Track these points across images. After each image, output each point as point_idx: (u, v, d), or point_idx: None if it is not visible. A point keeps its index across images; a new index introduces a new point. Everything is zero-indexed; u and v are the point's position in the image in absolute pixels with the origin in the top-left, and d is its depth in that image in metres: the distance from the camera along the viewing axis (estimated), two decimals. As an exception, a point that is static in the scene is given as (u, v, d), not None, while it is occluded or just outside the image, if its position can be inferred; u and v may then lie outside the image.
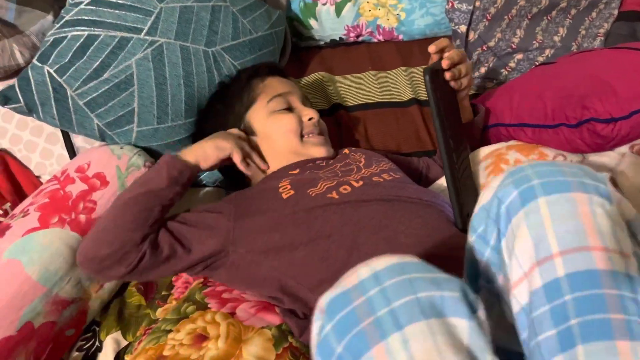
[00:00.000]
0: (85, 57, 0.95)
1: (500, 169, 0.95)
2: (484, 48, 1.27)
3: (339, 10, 1.42)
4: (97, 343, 0.89)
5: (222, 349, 0.72)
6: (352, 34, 1.47)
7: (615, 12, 1.31)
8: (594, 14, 1.32)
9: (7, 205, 1.02)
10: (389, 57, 1.45)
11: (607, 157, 0.91)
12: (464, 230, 0.84)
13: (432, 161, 1.15)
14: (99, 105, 0.98)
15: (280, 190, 0.89)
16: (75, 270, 0.86)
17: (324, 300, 0.49)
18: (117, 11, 0.98)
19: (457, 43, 1.28)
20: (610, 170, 0.91)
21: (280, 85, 1.05)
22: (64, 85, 0.95)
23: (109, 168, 0.95)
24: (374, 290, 0.47)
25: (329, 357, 0.46)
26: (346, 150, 1.05)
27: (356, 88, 1.37)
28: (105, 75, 0.97)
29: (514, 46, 1.27)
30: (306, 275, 0.80)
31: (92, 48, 0.96)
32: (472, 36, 1.26)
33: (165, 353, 0.74)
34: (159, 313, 0.90)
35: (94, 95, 0.97)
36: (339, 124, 1.29)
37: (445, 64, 0.87)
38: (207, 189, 1.14)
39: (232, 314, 0.81)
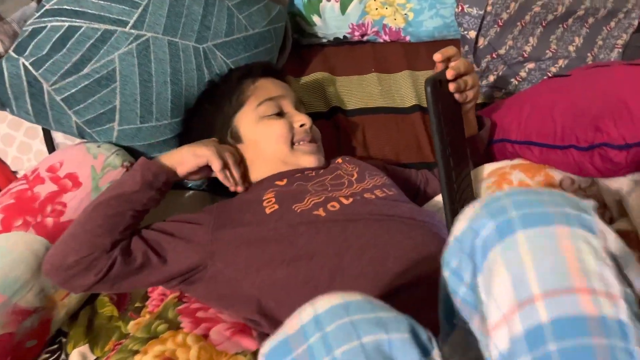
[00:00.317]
0: (64, 50, 0.89)
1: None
2: (494, 55, 1.20)
3: (344, 8, 1.35)
4: (62, 356, 0.84)
5: (189, 377, 0.67)
6: (356, 33, 1.40)
7: (636, 22, 1.23)
8: (612, 24, 1.24)
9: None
10: (394, 59, 1.38)
11: (618, 183, 0.85)
12: None
13: (432, 175, 1.09)
14: (78, 102, 0.92)
15: (265, 203, 0.84)
16: (39, 278, 0.81)
17: (264, 349, 0.45)
18: (102, 1, 0.92)
19: (465, 49, 1.20)
20: (620, 195, 0.85)
21: (273, 88, 0.98)
22: (40, 80, 0.89)
23: (83, 168, 0.89)
24: (315, 336, 0.43)
25: None
26: (339, 160, 0.99)
27: (357, 91, 1.30)
28: (86, 70, 0.91)
29: (525, 55, 1.20)
30: (287, 297, 0.74)
31: (72, 40, 0.90)
32: (481, 42, 1.18)
33: (129, 377, 0.68)
34: (131, 327, 0.84)
35: (73, 91, 0.91)
36: (337, 129, 1.23)
37: (450, 74, 0.80)
38: (192, 192, 1.08)
39: (206, 335, 0.75)
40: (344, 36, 1.41)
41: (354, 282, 0.71)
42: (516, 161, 0.95)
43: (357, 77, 1.34)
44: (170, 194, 1.03)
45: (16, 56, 0.89)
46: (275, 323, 0.75)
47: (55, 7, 0.91)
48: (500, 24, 1.17)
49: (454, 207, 0.77)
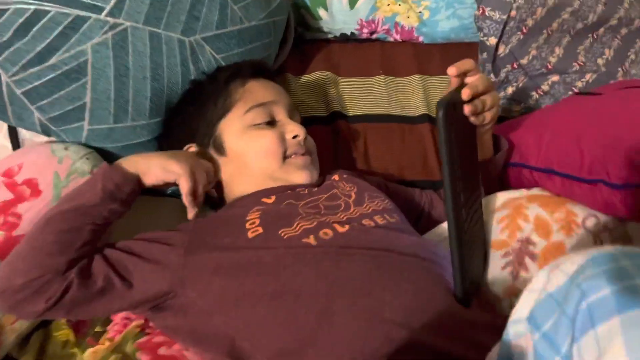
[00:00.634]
0: (28, 37, 0.78)
1: (518, 227, 0.77)
2: (515, 65, 1.09)
3: (353, 2, 1.24)
4: (8, 385, 0.75)
5: None
6: (365, 30, 1.29)
7: (674, 36, 1.11)
8: (648, 36, 1.13)
9: None
10: (404, 60, 1.27)
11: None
12: (464, 302, 0.67)
13: (437, 197, 0.98)
14: (42, 97, 0.81)
15: (248, 225, 0.73)
16: (-17, 300, 0.70)
17: None
18: (74, -17, 0.81)
19: (483, 56, 1.09)
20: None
21: (264, 92, 0.87)
22: (-3, 69, 0.79)
23: (45, 173, 0.79)
24: None
25: None
26: (336, 177, 0.88)
27: (361, 94, 1.19)
28: (52, 60, 0.80)
29: (549, 66, 1.08)
30: (265, 339, 0.64)
31: (38, 26, 0.79)
32: (502, 50, 1.07)
33: None
34: (87, 356, 0.75)
35: (36, 84, 0.80)
36: (336, 136, 1.11)
37: (466, 94, 0.69)
38: (172, 199, 0.97)
39: (165, 378, 0.65)
40: (352, 33, 1.29)
41: (344, 333, 0.61)
42: (534, 191, 0.84)
43: (362, 79, 1.23)
44: (147, 200, 0.94)
45: (-28, 41, 0.78)
46: (249, 369, 0.65)
47: (21, -14, 0.80)
48: (525, 30, 1.05)
49: (462, 252, 0.66)
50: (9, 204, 0.75)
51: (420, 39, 1.30)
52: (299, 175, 0.84)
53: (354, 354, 0.59)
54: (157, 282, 0.70)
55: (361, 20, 1.27)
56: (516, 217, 0.79)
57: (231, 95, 0.86)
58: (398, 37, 1.30)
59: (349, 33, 1.29)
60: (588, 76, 1.09)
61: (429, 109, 1.16)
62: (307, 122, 1.11)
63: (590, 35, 1.10)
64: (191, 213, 0.78)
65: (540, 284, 0.45)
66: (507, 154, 0.90)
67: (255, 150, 0.83)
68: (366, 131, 1.12)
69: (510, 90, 1.11)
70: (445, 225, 0.89)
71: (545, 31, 1.07)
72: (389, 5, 1.25)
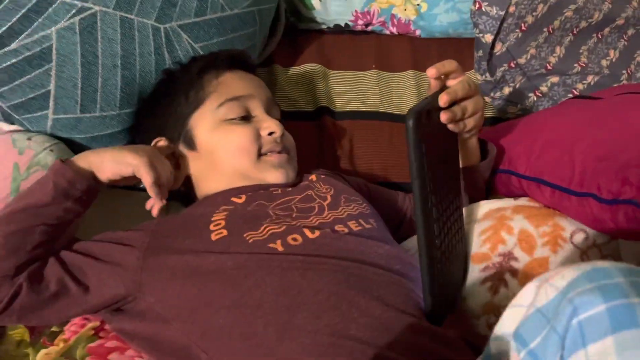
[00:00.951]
0: (-12, 19, 0.74)
1: (500, 240, 0.72)
2: (512, 65, 1.03)
3: (347, -9, 1.18)
4: (-44, 385, 0.71)
5: None
6: (360, 22, 1.24)
7: (684, 39, 1.05)
8: (656, 38, 1.06)
9: None
10: (399, 55, 1.22)
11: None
12: (435, 320, 0.63)
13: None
14: (2, 83, 0.77)
15: (212, 226, 0.69)
16: None
17: None
18: (40, -38, 0.76)
19: (479, 54, 1.03)
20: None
21: (240, 85, 0.82)
22: (-46, 54, 0.74)
23: (4, 165, 0.75)
24: None
25: None
26: (313, 177, 0.83)
27: (351, 89, 1.14)
28: (13, 45, 0.75)
29: (549, 67, 1.02)
30: (221, 351, 0.60)
31: (-1, 8, 0.74)
32: (498, 48, 1.01)
33: None
34: (40, 357, 0.71)
35: (-4, 69, 0.76)
36: (321, 133, 1.07)
37: (442, 100, 0.63)
38: (144, 195, 0.93)
39: (113, 387, 0.62)
40: (346, 24, 1.24)
41: (306, 348, 0.57)
42: (521, 201, 0.79)
43: (353, 72, 1.18)
44: (116, 195, 0.90)
45: None
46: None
47: (-18, -35, 0.75)
48: (524, 28, 0.99)
49: (432, 272, 0.61)
50: (-38, 196, 0.71)
51: (418, 32, 1.24)
52: (273, 174, 0.79)
53: None
54: (114, 285, 0.67)
55: (356, 11, 1.22)
56: (499, 229, 0.74)
57: (204, 87, 0.81)
58: (394, 30, 1.25)
59: (343, 24, 1.24)
60: (590, 78, 1.03)
61: (421, 107, 1.10)
62: (292, 117, 1.07)
63: (594, 34, 1.04)
64: (157, 206, 0.73)
65: (528, 299, 0.43)
66: (497, 159, 0.85)
67: (227, 146, 0.78)
68: (353, 128, 1.07)
69: (506, 90, 1.06)
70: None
71: (546, 29, 1.01)
72: (385, -4, 1.20)
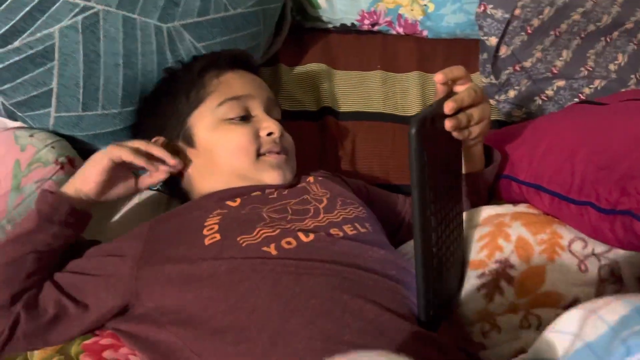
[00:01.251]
0: (-8, 18, 0.75)
1: (498, 246, 0.72)
2: (517, 68, 1.02)
3: (353, -10, 1.18)
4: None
5: None
6: (366, 21, 1.23)
7: (695, 44, 1.03)
8: (666, 43, 1.04)
9: None
10: (405, 55, 1.21)
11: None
12: (429, 327, 0.63)
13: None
14: (5, 81, 0.78)
15: (205, 230, 0.69)
16: None
17: None
18: (43, -39, 0.77)
19: (484, 56, 1.02)
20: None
21: (240, 85, 0.82)
22: (-42, 51, 0.75)
23: (5, 161, 0.76)
24: None
25: None
26: (310, 179, 0.83)
27: (355, 90, 1.14)
28: (16, 43, 0.76)
29: (555, 70, 1.01)
30: (215, 355, 0.60)
31: (3, 6, 0.75)
32: (503, 51, 1.00)
33: None
34: (37, 353, 0.72)
35: (-1, 67, 0.77)
36: (324, 133, 1.06)
37: (448, 108, 0.62)
38: (145, 194, 0.93)
39: (106, 384, 0.62)
40: (352, 23, 1.24)
41: (299, 355, 0.57)
42: (520, 207, 0.78)
43: (358, 73, 1.17)
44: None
45: None
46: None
47: (-13, -36, 0.76)
48: (529, 31, 0.98)
49: (428, 280, 0.61)
50: (-36, 192, 0.72)
51: (424, 33, 1.23)
52: (271, 175, 0.79)
53: None
54: (111, 298, 0.68)
55: (362, 11, 1.21)
56: (497, 236, 0.73)
57: (205, 86, 0.81)
58: (401, 31, 1.24)
59: (349, 24, 1.24)
60: (597, 82, 1.01)
61: (425, 109, 1.10)
62: (294, 117, 1.07)
63: (602, 38, 1.03)
64: (156, 175, 0.77)
65: (572, 328, 0.41)
66: (500, 164, 0.84)
67: (225, 146, 0.79)
68: (356, 129, 1.07)
69: (511, 94, 1.04)
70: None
71: (552, 33, 0.99)
72: (391, -5, 1.19)
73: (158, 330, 0.64)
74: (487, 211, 0.78)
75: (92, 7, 0.79)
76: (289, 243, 0.66)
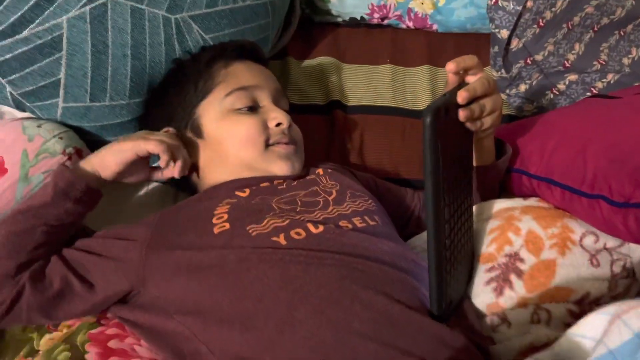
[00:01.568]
0: (1, 7, 0.75)
1: (507, 240, 0.71)
2: (529, 61, 1.00)
3: (363, -16, 1.17)
4: (-37, 367, 0.73)
5: None
6: (376, 15, 1.22)
7: None
8: (682, 36, 1.03)
9: None
10: (415, 49, 1.20)
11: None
12: (440, 319, 0.62)
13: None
14: (13, 70, 0.78)
15: (215, 219, 0.69)
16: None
17: None
18: (52, -49, 0.77)
19: (495, 49, 1.01)
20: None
21: (247, 75, 0.82)
22: (-34, 40, 0.75)
23: (13, 151, 0.76)
24: None
25: None
26: (320, 171, 0.82)
27: (364, 83, 1.13)
28: (25, 33, 0.76)
29: (567, 64, 0.99)
30: (222, 344, 0.60)
31: (11, -4, 0.75)
32: (515, 44, 0.98)
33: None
34: (44, 342, 0.72)
35: (7, 56, 0.76)
36: (332, 127, 1.06)
37: (461, 97, 0.61)
38: (152, 185, 0.93)
39: (111, 374, 0.62)
40: (362, 17, 1.23)
41: (306, 341, 0.56)
42: (530, 201, 0.77)
43: (367, 67, 1.17)
44: (123, 187, 0.90)
45: (-57, 11, 0.75)
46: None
47: (-4, -46, 0.76)
48: (542, 24, 0.96)
49: (440, 270, 0.60)
50: (-28, 181, 0.72)
51: (435, 27, 1.23)
52: (279, 165, 0.78)
53: None
54: (117, 281, 0.67)
55: (372, 4, 1.21)
56: (507, 229, 0.72)
57: (213, 77, 0.81)
58: (411, 24, 1.23)
59: (358, 17, 1.23)
60: (610, 76, 1.00)
61: (435, 103, 1.09)
62: (303, 110, 1.07)
63: (616, 32, 1.01)
64: (174, 170, 0.75)
65: (596, 333, 0.41)
66: (510, 158, 0.83)
67: (233, 137, 0.78)
68: (365, 123, 1.06)
69: (522, 87, 1.03)
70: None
71: (565, 25, 0.98)
72: (402, -11, 1.18)
73: (166, 320, 0.64)
74: (497, 205, 0.77)
75: (101, -2, 0.79)
76: (298, 234, 0.66)
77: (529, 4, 0.94)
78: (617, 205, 0.64)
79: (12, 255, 0.65)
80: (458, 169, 0.65)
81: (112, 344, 0.67)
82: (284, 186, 0.77)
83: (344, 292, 0.60)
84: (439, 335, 0.59)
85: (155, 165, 0.80)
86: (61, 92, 0.80)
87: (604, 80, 1.00)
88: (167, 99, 0.83)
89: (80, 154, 0.82)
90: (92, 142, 0.86)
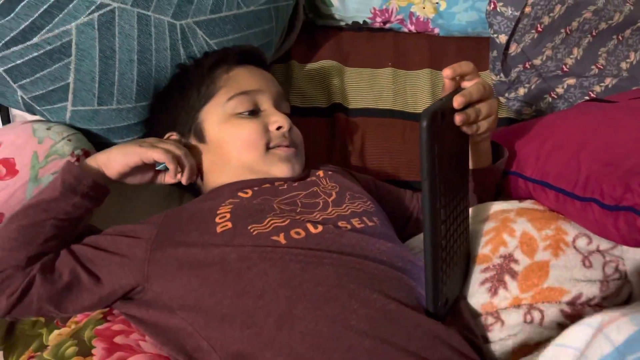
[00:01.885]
0: (12, 15, 0.77)
1: (502, 241, 0.72)
2: (527, 66, 1.02)
3: (365, -12, 1.19)
4: (-26, 361, 0.75)
5: None
6: (378, 19, 1.24)
7: None
8: (680, 41, 1.04)
9: None
10: (416, 53, 1.22)
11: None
12: (436, 316, 0.64)
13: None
14: (24, 75, 0.80)
15: (218, 219, 0.71)
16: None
17: None
18: (61, -40, 0.79)
19: (493, 54, 1.02)
20: None
21: (249, 80, 0.84)
22: (-21, 47, 0.78)
23: (24, 153, 0.78)
24: None
25: None
26: (320, 173, 0.84)
27: (366, 86, 1.15)
28: (35, 39, 0.79)
29: (565, 68, 1.01)
30: (223, 340, 0.62)
31: (22, 4, 0.77)
32: (513, 49, 1.00)
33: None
34: (53, 338, 0.75)
35: (18, 62, 0.79)
36: (334, 129, 1.08)
37: (457, 102, 0.63)
38: (158, 186, 0.95)
39: (117, 369, 0.65)
40: (364, 21, 1.25)
41: (305, 338, 0.58)
42: (526, 204, 0.78)
43: (369, 70, 1.18)
44: (129, 187, 0.92)
45: (-43, 18, 0.78)
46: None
47: (8, -37, 0.79)
48: (540, 29, 0.98)
49: (436, 269, 0.61)
50: (-16, 182, 0.75)
51: (436, 31, 1.24)
52: (280, 167, 0.81)
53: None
54: (123, 276, 0.70)
55: (374, 8, 1.22)
56: (502, 231, 0.74)
57: (215, 82, 0.83)
58: (412, 28, 1.25)
59: (361, 21, 1.25)
60: (608, 81, 1.01)
61: (435, 106, 1.10)
62: (305, 113, 1.09)
63: (614, 36, 1.02)
64: (182, 177, 0.79)
65: (578, 344, 0.41)
66: (507, 161, 0.85)
67: (234, 140, 0.80)
68: (366, 125, 1.08)
69: (521, 91, 1.05)
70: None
71: (563, 31, 0.99)
72: (403, -7, 1.20)
73: (169, 316, 0.66)
74: (493, 207, 0.79)
75: (108, 5, 0.81)
76: (297, 233, 0.68)
77: (527, 9, 0.95)
78: (608, 208, 0.65)
79: (23, 247, 0.68)
80: (455, 172, 0.66)
81: (117, 339, 0.69)
82: (285, 187, 0.79)
83: (342, 289, 0.61)
84: (434, 332, 0.60)
85: (159, 168, 0.82)
86: (70, 96, 0.83)
87: (602, 84, 1.01)
88: (171, 103, 0.86)
89: (88, 156, 0.84)
90: (100, 144, 0.89)
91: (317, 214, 0.74)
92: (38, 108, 0.84)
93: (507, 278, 0.70)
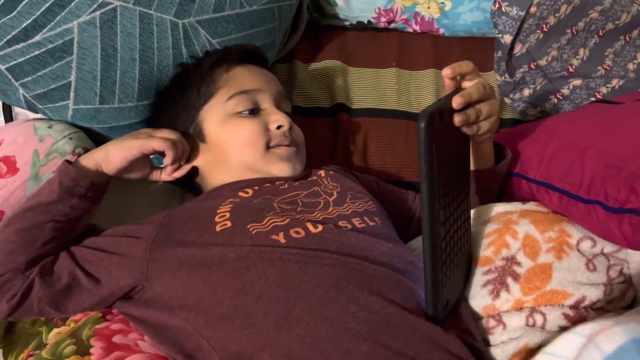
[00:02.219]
0: (14, 13, 0.77)
1: (505, 243, 0.72)
2: (532, 66, 1.01)
3: (370, -12, 1.18)
4: (-26, 359, 0.76)
5: None
6: (383, 19, 1.23)
7: None
8: (688, 42, 1.02)
9: None
10: (421, 53, 1.21)
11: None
12: (436, 320, 0.63)
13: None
14: (26, 73, 0.80)
15: (217, 218, 0.71)
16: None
17: None
18: (64, -42, 0.79)
19: (498, 54, 1.01)
20: None
21: (249, 79, 0.84)
22: (-19, 45, 0.78)
23: (24, 151, 0.78)
24: None
25: None
26: (322, 172, 0.84)
27: (369, 86, 1.14)
28: (37, 37, 0.79)
29: (571, 69, 1.00)
30: (222, 340, 0.62)
31: (24, 2, 0.77)
32: (518, 49, 0.99)
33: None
34: (52, 336, 0.74)
35: (20, 60, 0.79)
36: (337, 129, 1.07)
37: (456, 103, 0.62)
38: (159, 185, 0.96)
39: (114, 369, 0.64)
40: (369, 21, 1.24)
41: (303, 339, 0.58)
42: (529, 205, 0.78)
43: (373, 70, 1.18)
44: (130, 186, 0.93)
45: (-42, 16, 0.78)
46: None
47: (10, -39, 0.79)
48: (545, 29, 0.97)
49: (435, 272, 0.61)
50: (-16, 179, 0.75)
51: (441, 31, 1.23)
52: (280, 167, 0.80)
53: None
54: (123, 276, 0.69)
55: (379, 8, 1.21)
56: (504, 233, 0.73)
57: (215, 81, 0.83)
58: (417, 28, 1.24)
59: (365, 21, 1.24)
60: (615, 82, 1.00)
61: (439, 107, 1.10)
62: (308, 113, 1.08)
63: (622, 37, 1.01)
64: (178, 171, 0.80)
65: (569, 353, 0.41)
66: (511, 162, 0.84)
67: (235, 140, 0.80)
68: (368, 126, 1.07)
69: (526, 92, 1.03)
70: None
71: (569, 31, 0.98)
72: (408, -7, 1.19)
73: (169, 316, 0.66)
74: (495, 208, 0.78)
75: (110, 3, 0.81)
76: (297, 233, 0.67)
77: (533, 9, 0.94)
78: (613, 210, 0.64)
79: (22, 250, 0.68)
80: (455, 173, 0.66)
81: (116, 339, 0.69)
82: (286, 187, 0.79)
83: (340, 291, 0.61)
84: (433, 336, 0.60)
85: (153, 159, 0.82)
86: (72, 94, 0.83)
87: (609, 85, 1.00)
88: (172, 102, 0.85)
89: (89, 155, 0.84)
90: (101, 142, 0.87)
91: (317, 213, 0.73)
92: (40, 106, 0.84)
93: (509, 280, 0.69)
